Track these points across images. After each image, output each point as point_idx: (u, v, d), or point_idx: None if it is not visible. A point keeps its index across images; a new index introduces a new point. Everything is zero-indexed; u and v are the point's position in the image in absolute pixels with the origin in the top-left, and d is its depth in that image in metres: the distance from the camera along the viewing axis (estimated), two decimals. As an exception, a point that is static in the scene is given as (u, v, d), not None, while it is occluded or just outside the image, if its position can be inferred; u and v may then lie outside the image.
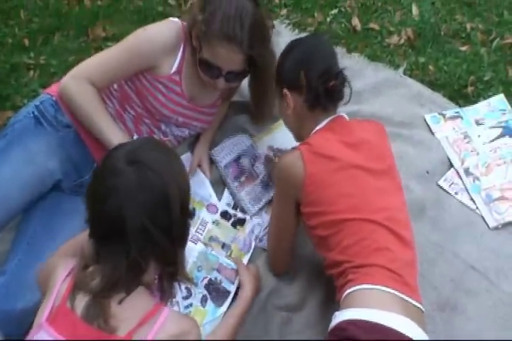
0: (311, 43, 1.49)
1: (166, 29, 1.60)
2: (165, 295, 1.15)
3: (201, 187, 1.78)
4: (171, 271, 1.13)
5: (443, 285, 1.53)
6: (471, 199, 1.72)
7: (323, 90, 1.39)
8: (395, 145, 1.84)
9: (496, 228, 1.65)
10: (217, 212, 1.73)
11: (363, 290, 1.23)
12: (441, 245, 1.61)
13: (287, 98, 1.45)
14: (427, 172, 1.79)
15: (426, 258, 1.57)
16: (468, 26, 2.35)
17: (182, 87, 1.63)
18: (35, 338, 1.07)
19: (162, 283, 1.15)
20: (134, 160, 1.07)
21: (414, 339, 1.16)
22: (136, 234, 1.03)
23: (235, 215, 1.72)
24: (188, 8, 2.60)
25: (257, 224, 1.71)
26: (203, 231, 1.68)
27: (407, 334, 1.15)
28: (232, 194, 1.75)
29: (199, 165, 1.82)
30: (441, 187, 1.76)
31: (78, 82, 1.58)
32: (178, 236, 1.10)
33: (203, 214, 1.70)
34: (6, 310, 1.47)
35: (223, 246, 1.66)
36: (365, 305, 1.20)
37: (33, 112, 1.66)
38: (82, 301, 1.05)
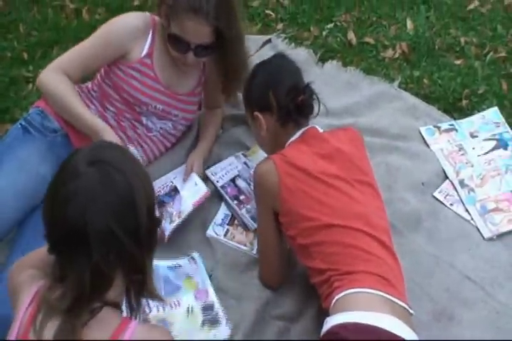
0: (274, 64, 1.57)
1: (133, 16, 1.75)
2: (133, 310, 1.08)
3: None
4: (139, 282, 1.06)
5: (439, 295, 1.55)
6: (466, 210, 1.75)
7: (294, 106, 1.46)
8: (392, 157, 1.91)
9: (491, 239, 1.68)
10: (204, 301, 1.58)
11: (351, 294, 1.27)
12: (437, 256, 1.64)
13: (259, 120, 1.51)
14: (423, 184, 1.82)
15: (422, 268, 1.60)
16: (462, 40, 2.41)
17: (154, 70, 1.73)
18: None
19: (129, 297, 1.08)
20: (95, 160, 1.01)
21: (405, 338, 1.19)
22: (101, 237, 0.96)
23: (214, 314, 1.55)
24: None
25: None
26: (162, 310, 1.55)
27: (397, 334, 1.19)
28: (233, 210, 1.77)
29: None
30: (436, 199, 1.79)
31: (54, 74, 1.69)
32: (146, 241, 1.02)
33: (185, 298, 1.58)
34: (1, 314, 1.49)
35: None
36: (354, 308, 1.24)
37: (20, 123, 1.76)
38: (50, 328, 0.98)
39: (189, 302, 1.56)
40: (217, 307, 1.55)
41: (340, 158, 1.45)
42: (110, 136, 1.62)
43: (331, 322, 1.25)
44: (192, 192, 1.70)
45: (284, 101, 1.46)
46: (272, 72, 1.53)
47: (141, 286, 1.06)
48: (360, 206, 1.40)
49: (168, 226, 1.65)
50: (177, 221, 1.66)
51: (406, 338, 1.19)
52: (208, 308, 1.55)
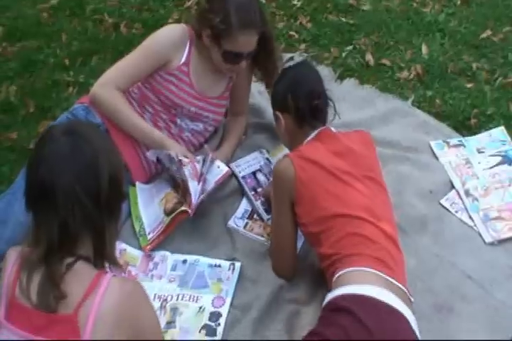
0: (298, 69, 1.77)
1: (172, 29, 1.98)
2: (97, 266, 1.20)
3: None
4: (99, 242, 1.19)
5: (441, 290, 1.69)
6: (470, 217, 1.90)
7: (308, 110, 1.65)
8: (402, 167, 2.06)
9: (492, 243, 1.82)
10: (216, 308, 1.69)
11: (348, 272, 1.43)
12: (441, 256, 1.78)
13: (279, 119, 1.71)
14: (430, 192, 1.98)
15: (426, 266, 1.74)
16: (474, 66, 2.61)
17: (190, 77, 1.94)
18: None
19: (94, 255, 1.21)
20: (70, 131, 1.18)
21: (398, 309, 1.34)
22: (66, 196, 1.12)
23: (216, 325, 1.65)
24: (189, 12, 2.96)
25: None
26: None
27: (392, 305, 1.34)
28: (250, 201, 1.96)
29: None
30: (442, 206, 1.95)
31: (106, 89, 1.88)
32: (106, 206, 1.17)
33: (205, 297, 1.71)
34: None
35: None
36: (351, 282, 1.40)
37: (66, 116, 1.95)
38: (34, 287, 1.13)
39: (205, 303, 1.71)
40: (223, 319, 1.66)
41: (351, 155, 1.62)
42: (176, 148, 1.85)
43: (329, 296, 1.41)
44: (214, 173, 1.86)
45: (300, 104, 1.65)
46: (295, 76, 1.72)
47: (101, 247, 1.20)
48: (366, 199, 1.56)
49: (194, 202, 1.79)
50: (201, 196, 1.80)
51: (400, 310, 1.34)
52: (215, 315, 1.68)
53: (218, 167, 1.88)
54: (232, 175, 2.00)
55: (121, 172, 1.25)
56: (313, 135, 1.67)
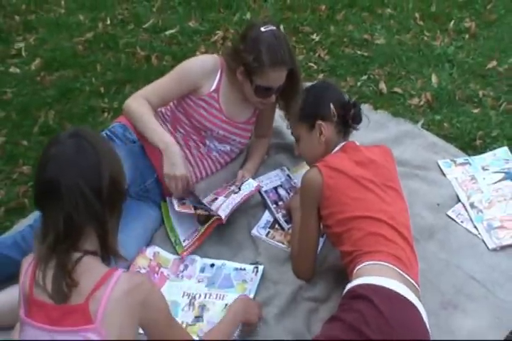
0: (326, 84, 2.12)
1: (205, 58, 2.28)
2: (104, 260, 1.36)
3: None
4: (102, 236, 1.33)
5: (447, 290, 1.92)
6: (475, 227, 2.14)
7: (351, 116, 1.93)
8: (412, 182, 2.32)
9: (495, 249, 2.05)
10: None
11: (368, 265, 1.66)
12: (447, 260, 2.02)
13: (322, 128, 1.94)
14: (438, 205, 2.23)
15: (433, 269, 1.97)
16: (480, 93, 2.90)
17: (220, 103, 2.21)
18: (23, 332, 1.35)
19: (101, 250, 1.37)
20: (75, 134, 1.35)
21: (411, 301, 1.56)
22: (71, 192, 1.28)
23: None
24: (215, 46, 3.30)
25: None
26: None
27: (406, 296, 1.56)
28: (272, 213, 2.22)
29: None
30: (449, 217, 2.20)
31: (137, 100, 2.15)
32: (108, 202, 1.33)
33: (230, 296, 1.91)
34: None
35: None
36: (369, 274, 1.63)
37: (106, 133, 2.23)
38: (49, 280, 1.29)
39: (230, 300, 1.91)
40: None
41: (372, 165, 1.87)
42: (174, 148, 2.04)
43: (349, 286, 1.64)
44: (246, 188, 2.17)
45: (341, 111, 1.93)
46: (328, 89, 2.03)
47: (104, 240, 1.35)
48: (386, 205, 1.80)
49: (227, 211, 2.08)
50: (233, 207, 2.10)
51: (413, 302, 1.56)
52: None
53: (250, 183, 2.19)
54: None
55: (121, 174, 1.42)
56: (338, 147, 1.93)
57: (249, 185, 2.19)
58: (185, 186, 2.06)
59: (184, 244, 2.10)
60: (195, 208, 2.12)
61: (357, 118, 1.97)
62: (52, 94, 3.07)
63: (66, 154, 1.32)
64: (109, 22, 3.59)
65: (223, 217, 2.06)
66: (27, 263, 1.39)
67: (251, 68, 2.07)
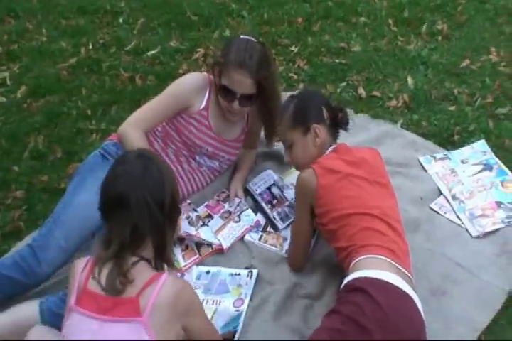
0: (311, 90, 2.34)
1: (193, 76, 2.38)
2: (157, 268, 1.56)
3: None
4: (160, 247, 1.54)
5: (434, 277, 2.06)
6: (458, 217, 2.28)
7: (341, 118, 2.10)
8: (395, 179, 2.45)
9: (478, 237, 2.18)
10: (237, 308, 2.04)
11: (363, 259, 1.79)
12: (433, 250, 2.16)
13: (317, 130, 2.05)
14: (421, 199, 2.37)
15: (420, 259, 2.10)
16: (455, 91, 3.07)
17: (209, 120, 2.33)
18: (68, 320, 1.50)
19: (155, 258, 1.57)
20: (142, 155, 1.60)
21: (406, 291, 1.68)
22: (139, 205, 1.49)
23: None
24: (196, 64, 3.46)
25: None
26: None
27: (401, 287, 1.68)
28: (266, 214, 2.36)
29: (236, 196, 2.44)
30: (432, 209, 2.34)
31: (133, 130, 2.26)
32: (168, 216, 1.55)
33: (226, 300, 2.07)
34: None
35: None
36: (365, 267, 1.75)
37: (99, 152, 2.35)
38: (103, 275, 1.47)
39: (227, 305, 2.06)
40: (242, 316, 1.99)
41: (364, 164, 2.01)
42: None
43: (346, 280, 1.76)
44: (246, 220, 2.36)
45: (331, 115, 2.08)
46: (316, 94, 2.19)
47: (161, 250, 1.57)
48: (379, 201, 1.93)
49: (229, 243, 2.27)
50: (235, 239, 2.29)
51: (407, 292, 1.68)
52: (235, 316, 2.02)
53: (250, 215, 2.35)
54: (248, 193, 2.44)
55: (178, 191, 1.66)
56: (331, 148, 2.07)
57: (249, 218, 2.35)
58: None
59: (183, 264, 2.22)
60: (198, 247, 2.26)
61: (346, 121, 2.12)
62: (39, 120, 3.19)
63: (135, 172, 1.54)
64: (91, 47, 3.74)
65: (225, 247, 2.24)
66: (83, 263, 1.55)
67: (219, 66, 2.21)
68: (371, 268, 1.74)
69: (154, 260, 1.57)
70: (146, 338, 1.43)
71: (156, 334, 1.44)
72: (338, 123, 2.11)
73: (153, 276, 1.50)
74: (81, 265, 1.56)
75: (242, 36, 2.26)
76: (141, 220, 1.50)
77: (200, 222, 2.32)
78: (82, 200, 2.16)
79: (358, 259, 1.78)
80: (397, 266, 1.77)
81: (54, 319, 1.90)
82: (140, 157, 1.59)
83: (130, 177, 1.53)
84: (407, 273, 1.78)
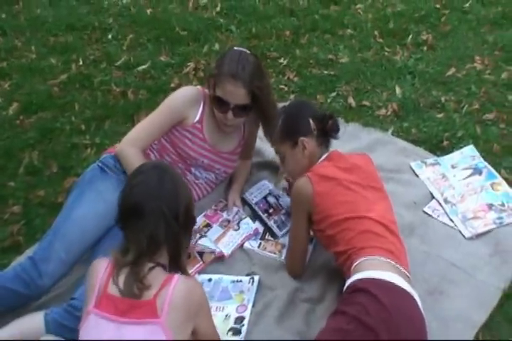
0: (299, 101, 2.39)
1: (187, 89, 2.44)
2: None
3: None
4: (174, 255, 1.61)
5: (431, 278, 2.14)
6: (450, 219, 2.37)
7: (330, 128, 2.14)
8: (388, 185, 2.53)
9: (471, 238, 2.27)
10: (240, 313, 2.11)
11: (364, 261, 1.86)
12: (428, 252, 2.24)
13: (305, 143, 2.12)
14: (415, 203, 2.47)
15: (417, 261, 2.17)
16: (442, 99, 3.19)
17: (203, 132, 2.38)
18: (86, 323, 1.55)
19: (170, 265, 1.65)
20: (157, 166, 1.70)
21: (407, 289, 1.75)
22: (155, 214, 1.56)
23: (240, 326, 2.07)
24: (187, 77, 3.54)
25: None
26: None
27: (402, 286, 1.75)
28: (263, 222, 2.44)
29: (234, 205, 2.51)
30: (426, 213, 2.43)
31: (131, 149, 2.31)
32: (183, 225, 1.62)
33: (229, 307, 2.13)
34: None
35: None
36: (366, 269, 1.82)
37: (97, 165, 2.39)
38: (121, 280, 1.54)
39: (230, 311, 2.13)
40: (246, 320, 2.08)
41: (357, 170, 2.09)
42: None
43: (348, 282, 1.83)
44: (245, 228, 2.43)
45: (320, 124, 2.14)
46: (303, 105, 2.24)
47: (176, 258, 1.64)
48: (374, 205, 2.01)
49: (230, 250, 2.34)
50: (236, 246, 2.36)
51: (408, 291, 1.76)
52: (239, 319, 2.10)
53: (248, 223, 2.42)
54: (245, 203, 2.51)
55: (192, 201, 1.73)
56: (323, 157, 2.14)
57: (248, 226, 2.43)
58: None
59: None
60: (201, 254, 2.32)
61: (335, 128, 2.19)
62: (33, 136, 3.23)
63: (151, 183, 1.62)
64: (81, 63, 3.81)
65: (226, 254, 2.31)
66: (104, 264, 1.61)
67: (213, 78, 2.28)
68: (372, 269, 1.81)
69: (169, 267, 1.64)
70: (164, 339, 1.48)
71: (173, 334, 1.50)
72: (327, 133, 2.17)
73: (167, 278, 1.57)
74: (101, 268, 1.61)
75: (235, 48, 2.34)
76: (157, 230, 1.57)
77: (198, 235, 2.38)
78: (81, 213, 2.22)
79: (358, 261, 1.85)
80: (396, 265, 1.84)
81: (59, 330, 1.95)
82: (155, 168, 1.68)
83: (145, 188, 1.61)
84: (405, 272, 1.86)
